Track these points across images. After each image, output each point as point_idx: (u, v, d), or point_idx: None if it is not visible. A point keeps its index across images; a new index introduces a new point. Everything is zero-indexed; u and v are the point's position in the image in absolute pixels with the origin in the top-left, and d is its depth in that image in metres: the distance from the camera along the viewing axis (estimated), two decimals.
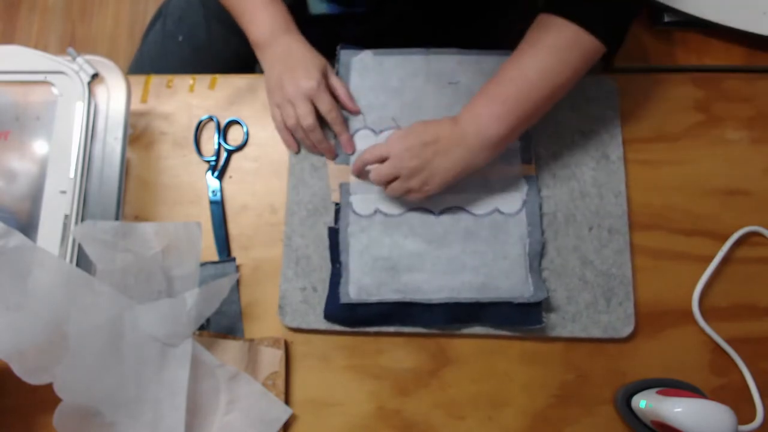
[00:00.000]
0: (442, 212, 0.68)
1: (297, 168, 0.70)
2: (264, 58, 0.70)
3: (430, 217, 0.68)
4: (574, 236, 0.69)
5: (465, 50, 0.74)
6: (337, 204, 0.69)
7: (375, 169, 0.65)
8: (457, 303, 0.65)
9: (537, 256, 0.67)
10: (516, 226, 0.67)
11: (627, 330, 0.66)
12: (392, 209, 0.68)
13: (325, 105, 0.67)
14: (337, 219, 0.68)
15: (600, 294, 0.67)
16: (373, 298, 0.65)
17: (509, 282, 0.65)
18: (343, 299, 0.65)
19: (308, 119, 0.67)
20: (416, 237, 0.67)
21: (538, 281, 0.66)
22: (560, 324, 0.66)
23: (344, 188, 0.69)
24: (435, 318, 0.65)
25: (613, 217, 0.69)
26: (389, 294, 0.65)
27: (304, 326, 0.65)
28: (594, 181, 0.70)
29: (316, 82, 0.66)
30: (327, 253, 0.67)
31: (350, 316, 0.65)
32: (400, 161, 0.63)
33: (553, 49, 0.61)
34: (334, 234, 0.67)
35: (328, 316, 0.65)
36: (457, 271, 0.66)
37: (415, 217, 0.68)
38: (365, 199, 0.68)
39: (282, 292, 0.66)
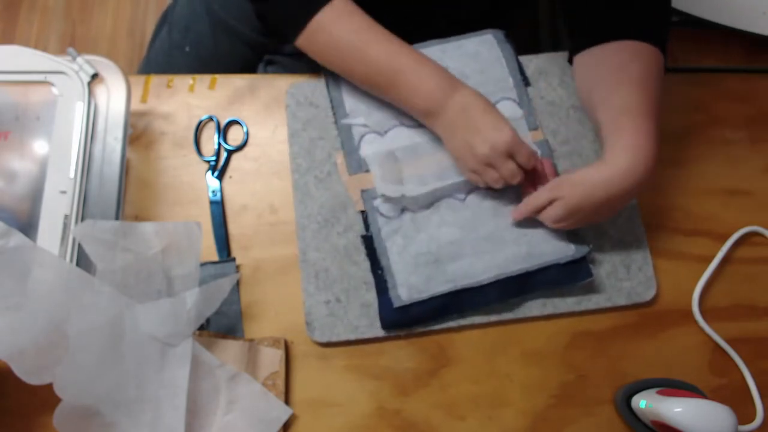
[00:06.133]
0: (466, 196, 0.68)
1: (301, 182, 0.70)
2: (438, 125, 0.66)
3: (457, 203, 0.68)
4: None
5: (444, 39, 0.75)
6: (363, 212, 0.68)
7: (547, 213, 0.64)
8: (508, 277, 0.65)
9: None
10: None
11: (650, 293, 0.67)
12: (418, 205, 0.68)
13: (524, 156, 0.62)
14: (367, 227, 0.68)
15: (619, 262, 0.68)
16: (425, 295, 0.64)
17: (551, 245, 0.66)
18: (396, 303, 0.64)
19: (517, 177, 0.63)
20: (449, 226, 0.67)
21: (577, 237, 0.67)
22: (585, 297, 0.67)
23: (367, 194, 0.68)
24: (488, 298, 0.65)
25: None
26: (439, 286, 0.65)
27: (334, 339, 0.65)
28: (595, 152, 0.71)
29: (509, 134, 0.61)
30: (344, 264, 0.67)
31: (407, 318, 0.65)
32: (573, 216, 0.63)
33: (659, 76, 0.64)
34: (368, 241, 0.67)
35: (387, 324, 0.64)
36: (499, 248, 0.66)
37: (442, 207, 0.68)
38: (390, 190, 0.68)
39: (307, 308, 0.65)
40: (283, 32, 0.68)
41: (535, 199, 0.64)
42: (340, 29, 0.65)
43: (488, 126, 0.62)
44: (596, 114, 0.64)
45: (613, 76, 0.64)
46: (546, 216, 0.64)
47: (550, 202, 0.63)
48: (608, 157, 0.60)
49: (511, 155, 0.63)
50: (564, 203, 0.62)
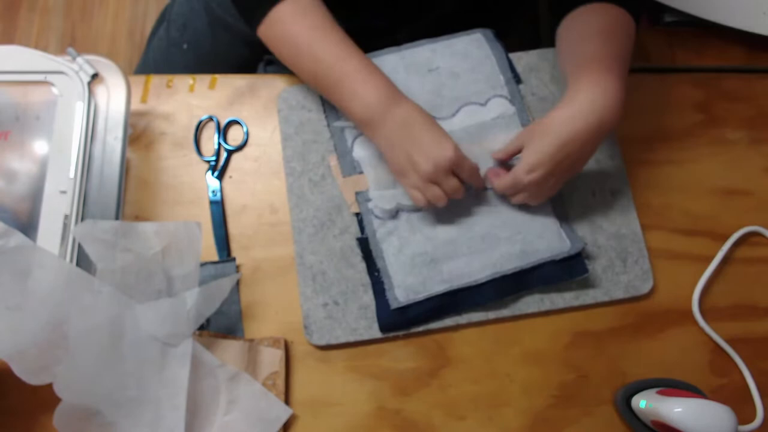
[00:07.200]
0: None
1: (295, 186, 0.70)
2: (378, 136, 0.64)
3: (451, 203, 0.67)
4: (579, 204, 0.70)
5: (433, 39, 0.75)
6: (357, 214, 0.68)
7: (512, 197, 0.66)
8: (504, 275, 0.65)
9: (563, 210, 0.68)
10: None
11: (647, 286, 0.68)
12: (413, 205, 0.68)
13: (467, 171, 0.62)
14: (362, 229, 0.68)
15: (615, 256, 0.68)
16: (422, 295, 0.65)
17: (545, 242, 0.66)
18: (393, 305, 0.64)
19: (459, 193, 0.63)
20: (444, 226, 0.67)
21: (571, 233, 0.67)
22: (582, 292, 0.67)
23: (361, 196, 0.68)
24: (485, 296, 0.65)
25: (613, 178, 0.71)
26: (436, 286, 0.65)
27: (333, 341, 0.64)
28: None
29: (452, 150, 0.60)
30: (341, 266, 0.67)
31: (405, 319, 0.65)
32: (537, 190, 0.63)
33: (626, 33, 0.66)
34: (364, 243, 0.67)
35: (385, 325, 0.65)
36: (493, 246, 0.66)
37: (438, 207, 0.67)
38: (384, 200, 0.68)
39: (305, 311, 0.65)
40: (247, 19, 0.67)
41: (508, 145, 0.65)
42: (296, 24, 0.64)
43: (431, 142, 0.61)
44: (565, 73, 0.65)
45: (579, 33, 0.66)
46: (519, 171, 0.62)
47: (520, 152, 0.63)
48: (568, 96, 0.61)
49: (454, 171, 0.62)
50: (532, 149, 0.61)
